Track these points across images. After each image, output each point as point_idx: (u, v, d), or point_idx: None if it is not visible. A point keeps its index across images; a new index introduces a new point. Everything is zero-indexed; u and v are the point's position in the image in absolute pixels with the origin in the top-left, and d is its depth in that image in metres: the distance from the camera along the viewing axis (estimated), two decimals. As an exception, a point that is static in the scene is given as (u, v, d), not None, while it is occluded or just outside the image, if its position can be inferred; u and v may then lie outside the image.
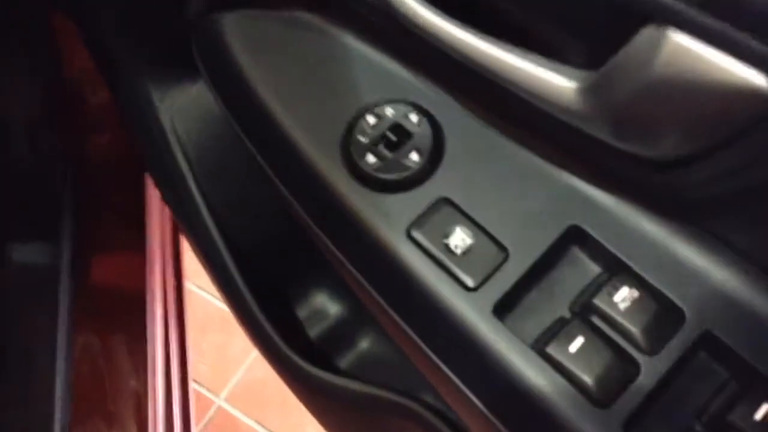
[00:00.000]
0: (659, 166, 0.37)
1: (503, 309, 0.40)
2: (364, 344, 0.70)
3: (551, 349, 0.38)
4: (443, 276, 0.40)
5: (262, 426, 1.51)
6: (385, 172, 0.43)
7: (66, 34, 0.75)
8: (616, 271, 0.39)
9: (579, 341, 0.38)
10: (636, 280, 0.39)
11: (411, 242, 0.41)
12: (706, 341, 0.38)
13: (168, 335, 0.97)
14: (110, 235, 0.94)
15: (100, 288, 0.91)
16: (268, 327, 0.60)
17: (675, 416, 0.38)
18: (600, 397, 0.37)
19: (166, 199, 0.68)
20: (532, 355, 0.38)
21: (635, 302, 0.38)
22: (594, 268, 0.41)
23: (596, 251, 0.40)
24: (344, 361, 0.69)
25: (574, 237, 0.41)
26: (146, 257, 0.96)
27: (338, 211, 0.44)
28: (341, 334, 0.70)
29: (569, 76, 0.37)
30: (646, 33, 0.33)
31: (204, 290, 1.61)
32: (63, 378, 0.75)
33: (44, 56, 0.77)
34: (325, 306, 0.72)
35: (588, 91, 0.36)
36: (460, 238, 0.41)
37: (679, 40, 0.32)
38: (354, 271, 0.44)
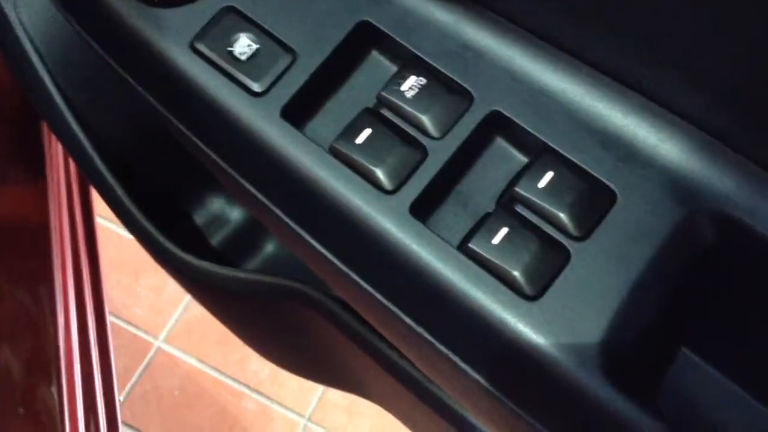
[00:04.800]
0: None
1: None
2: (269, 247, 0.67)
3: None
4: (228, 83, 0.39)
5: (205, 363, 1.48)
6: None
7: None
8: (409, 64, 0.39)
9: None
10: (427, 70, 0.38)
11: (195, 54, 0.40)
12: (497, 123, 0.37)
13: (80, 271, 0.92)
14: (4, 169, 0.88)
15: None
16: (146, 224, 0.56)
17: (473, 204, 0.38)
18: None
19: (35, 104, 0.62)
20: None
21: (423, 90, 0.38)
22: (391, 68, 0.40)
23: (392, 50, 0.40)
24: (251, 265, 0.66)
25: (368, 37, 0.40)
26: (48, 190, 0.90)
27: (122, 34, 0.41)
28: (244, 238, 0.67)
29: None
30: None
31: (135, 234, 1.55)
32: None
33: None
34: (224, 211, 0.68)
35: None
36: (245, 45, 0.40)
37: None
38: (144, 92, 0.42)
